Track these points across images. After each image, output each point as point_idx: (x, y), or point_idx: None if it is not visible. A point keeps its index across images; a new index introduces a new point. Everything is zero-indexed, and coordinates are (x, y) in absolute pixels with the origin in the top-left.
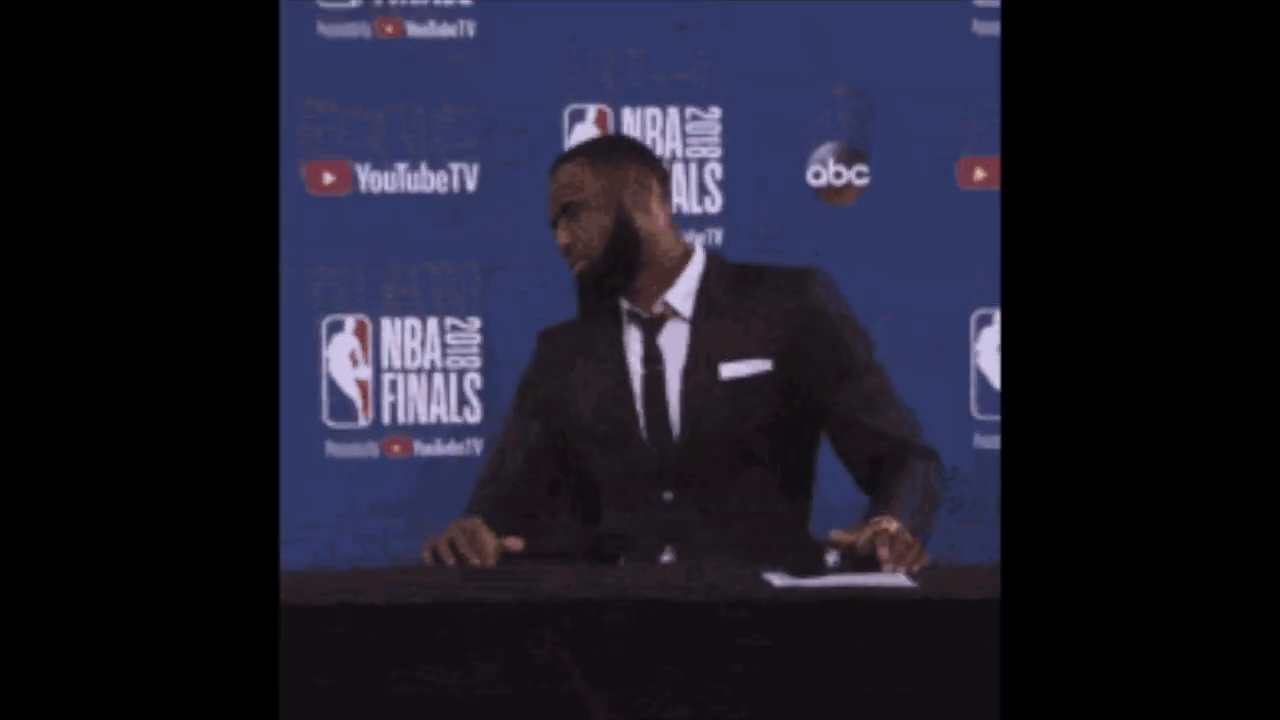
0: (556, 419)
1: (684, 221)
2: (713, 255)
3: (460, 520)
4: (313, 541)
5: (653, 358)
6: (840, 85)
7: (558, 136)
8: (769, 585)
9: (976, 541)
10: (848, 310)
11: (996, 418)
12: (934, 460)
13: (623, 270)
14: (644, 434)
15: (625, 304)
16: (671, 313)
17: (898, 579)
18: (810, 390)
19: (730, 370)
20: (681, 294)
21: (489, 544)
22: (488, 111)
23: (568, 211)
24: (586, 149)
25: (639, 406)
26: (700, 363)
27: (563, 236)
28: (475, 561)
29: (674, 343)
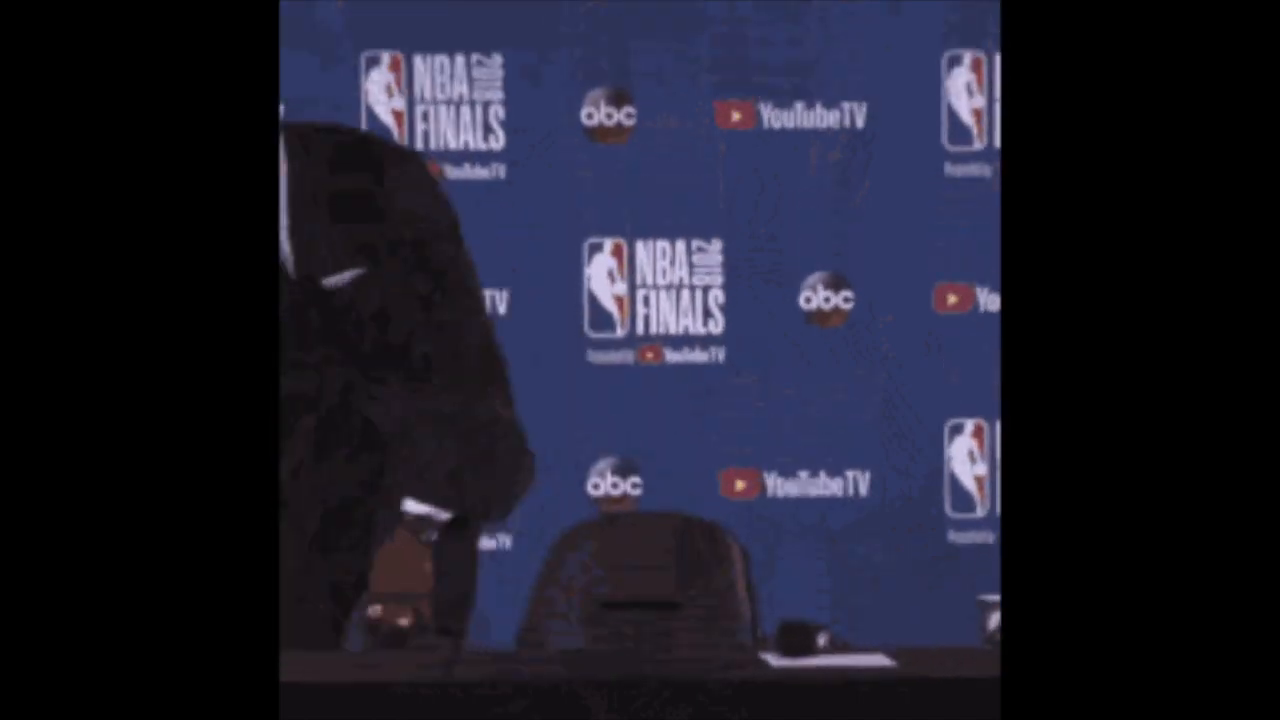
0: None
1: (693, 342)
2: None
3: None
4: None
5: None
6: (831, 148)
7: (579, 265)
8: (767, 665)
9: (957, 624)
10: None
11: (968, 515)
12: None
13: None
14: None
15: None
16: None
17: (880, 659)
18: None
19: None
20: None
21: None
22: (515, 243)
23: None
24: None
25: None
26: None
27: None
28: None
29: None
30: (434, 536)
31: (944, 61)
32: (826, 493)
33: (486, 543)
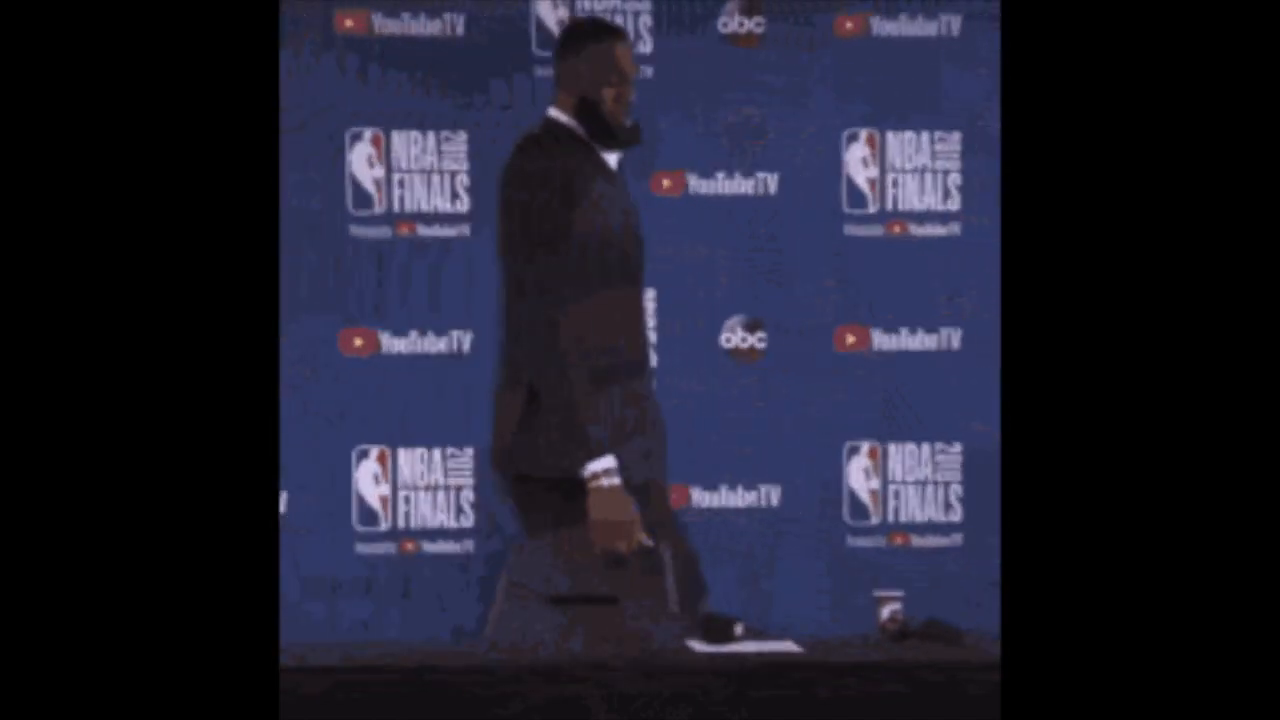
0: None
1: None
2: None
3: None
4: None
5: None
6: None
7: None
8: (693, 650)
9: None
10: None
11: (864, 523)
12: None
13: None
14: None
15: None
16: None
17: (789, 646)
18: None
19: None
20: None
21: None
22: (477, 292)
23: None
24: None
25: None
26: None
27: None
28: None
29: None
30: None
31: (843, 139)
32: (743, 504)
33: (453, 548)
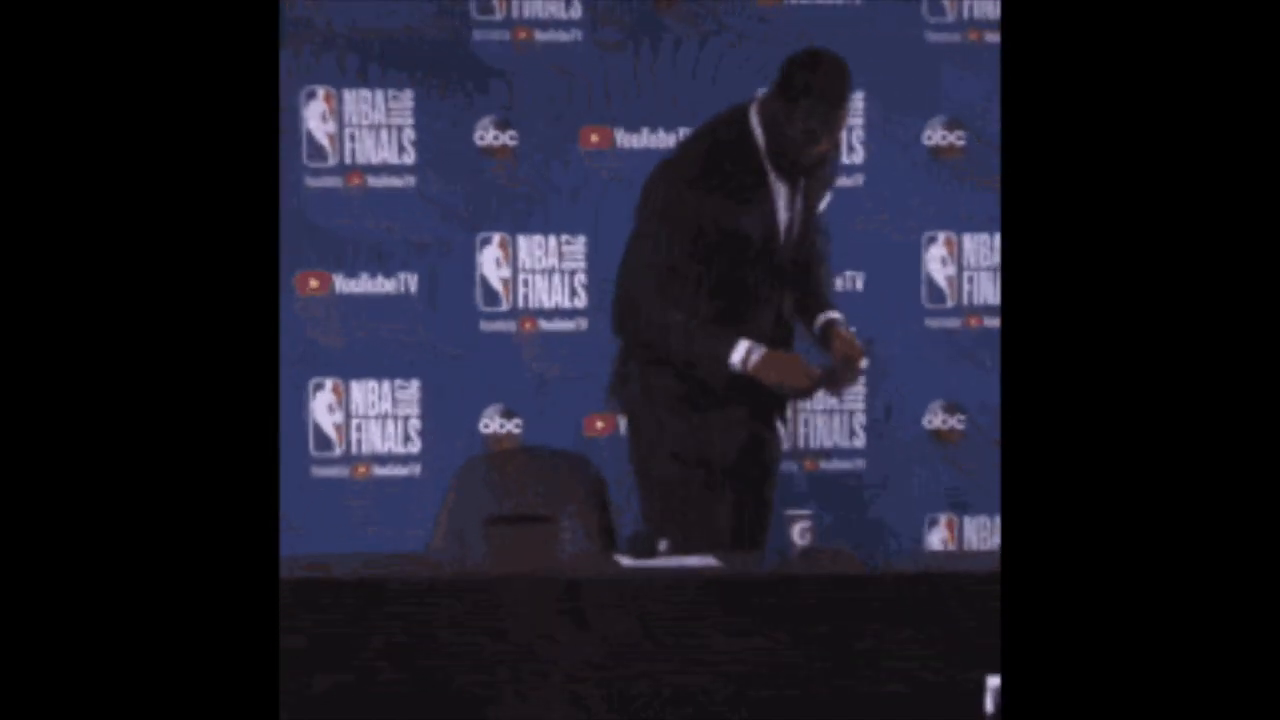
0: None
1: (562, 314)
2: None
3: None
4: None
5: None
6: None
7: (473, 255)
8: (620, 564)
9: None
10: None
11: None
12: None
13: None
14: None
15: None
16: None
17: (709, 561)
18: None
19: None
20: None
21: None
22: (423, 237)
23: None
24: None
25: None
26: None
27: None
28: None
29: None
30: None
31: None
32: None
33: (400, 471)
